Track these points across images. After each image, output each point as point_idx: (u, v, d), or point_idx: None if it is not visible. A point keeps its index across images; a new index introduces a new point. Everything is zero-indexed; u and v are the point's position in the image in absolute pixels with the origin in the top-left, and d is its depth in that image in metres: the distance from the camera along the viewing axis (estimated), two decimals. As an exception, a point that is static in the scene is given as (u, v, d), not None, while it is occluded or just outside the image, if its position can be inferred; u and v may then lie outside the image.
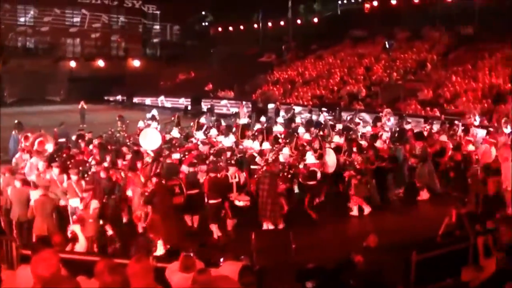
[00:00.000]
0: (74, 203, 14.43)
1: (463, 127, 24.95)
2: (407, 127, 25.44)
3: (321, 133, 24.59)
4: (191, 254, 8.05)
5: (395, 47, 44.34)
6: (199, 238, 14.73)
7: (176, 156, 18.17)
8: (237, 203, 15.38)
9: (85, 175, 16.24)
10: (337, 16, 60.48)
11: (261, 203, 15.57)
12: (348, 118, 30.57)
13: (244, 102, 38.93)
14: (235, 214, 15.44)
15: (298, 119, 30.42)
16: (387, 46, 43.49)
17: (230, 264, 8.09)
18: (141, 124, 26.78)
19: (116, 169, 16.54)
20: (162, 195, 13.99)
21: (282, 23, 63.00)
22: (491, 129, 24.39)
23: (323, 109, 34.89)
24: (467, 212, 12.12)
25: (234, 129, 25.20)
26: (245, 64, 56.32)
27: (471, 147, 20.45)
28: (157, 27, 74.99)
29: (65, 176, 15.48)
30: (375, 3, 54.70)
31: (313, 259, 10.22)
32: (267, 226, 15.52)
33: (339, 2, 61.29)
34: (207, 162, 17.59)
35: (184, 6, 66.74)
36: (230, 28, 69.41)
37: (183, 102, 47.77)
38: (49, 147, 19.76)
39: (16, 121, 25.12)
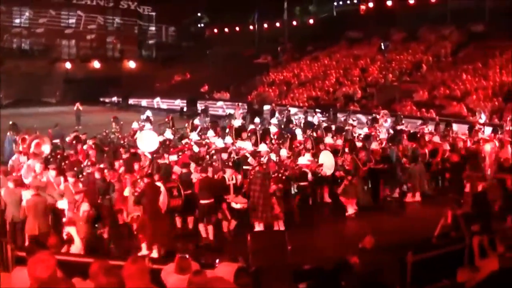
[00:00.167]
0: (61, 205, 14.43)
1: (468, 126, 25.03)
2: (400, 128, 25.56)
3: (314, 134, 24.66)
4: (187, 256, 8.04)
5: (391, 48, 44.43)
6: (194, 240, 14.75)
7: (173, 158, 18.16)
8: (234, 205, 15.36)
9: (80, 176, 16.22)
10: (333, 18, 60.48)
11: (252, 203, 15.56)
12: (342, 119, 30.65)
13: (240, 104, 38.88)
14: (232, 216, 15.44)
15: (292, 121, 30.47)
16: (382, 47, 43.63)
17: (225, 265, 8.08)
18: (135, 125, 26.86)
19: (113, 170, 16.53)
20: (151, 196, 13.94)
21: (277, 24, 62.98)
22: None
23: (317, 110, 34.99)
24: (463, 213, 12.13)
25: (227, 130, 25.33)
26: (241, 66, 56.36)
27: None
28: (153, 28, 74.98)
29: (61, 178, 15.48)
30: (370, 5, 54.72)
31: (309, 260, 10.24)
32: (258, 226, 15.50)
33: (335, 3, 61.30)
34: (199, 162, 17.63)
35: (180, 7, 66.74)
36: (226, 30, 69.37)
37: (179, 103, 47.72)
38: (46, 149, 19.72)
39: (10, 122, 25.08)
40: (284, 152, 19.04)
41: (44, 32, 65.10)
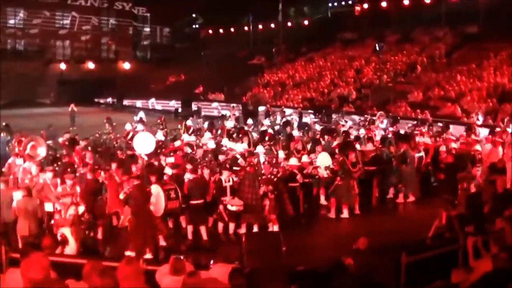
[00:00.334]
0: (47, 207, 14.47)
1: (466, 127, 25.07)
2: (391, 129, 25.64)
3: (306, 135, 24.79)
4: (181, 257, 8.04)
5: (385, 49, 44.43)
6: (187, 240, 14.78)
7: (170, 159, 18.15)
8: (230, 207, 15.35)
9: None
10: (328, 19, 60.56)
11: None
12: (341, 121, 30.67)
13: (234, 105, 38.88)
14: (229, 218, 15.47)
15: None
16: (377, 48, 43.64)
17: (220, 266, 8.08)
18: (128, 126, 26.88)
19: (106, 171, 16.53)
20: (138, 198, 13.91)
21: (272, 25, 63.00)
22: (498, 128, 24.43)
23: (309, 111, 35.03)
24: (457, 214, 12.15)
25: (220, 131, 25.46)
26: (236, 67, 56.36)
27: (478, 147, 20.50)
28: (147, 29, 75.01)
29: (58, 180, 15.50)
30: (365, 6, 54.80)
31: (304, 262, 10.23)
32: (243, 228, 15.53)
33: (330, 4, 61.41)
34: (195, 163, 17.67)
35: (175, 8, 66.69)
36: (221, 31, 69.40)
37: (174, 104, 47.69)
38: (42, 152, 19.68)
39: (4, 124, 25.04)
40: (281, 154, 19.04)
41: (39, 33, 65.09)
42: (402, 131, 25.18)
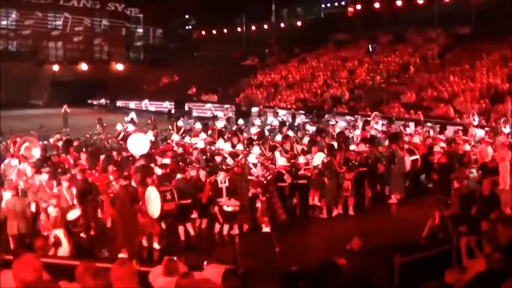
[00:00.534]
0: (32, 208, 14.48)
1: (461, 128, 25.14)
2: (382, 129, 25.75)
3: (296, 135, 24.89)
4: (175, 258, 8.02)
5: (378, 50, 44.51)
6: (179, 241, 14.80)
7: (166, 161, 18.14)
8: (226, 208, 15.34)
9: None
10: (321, 20, 60.54)
11: None
12: (331, 121, 30.71)
13: (227, 107, 38.87)
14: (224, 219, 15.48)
15: (275, 122, 30.58)
16: (370, 49, 43.72)
17: (213, 267, 8.06)
18: (119, 127, 26.95)
19: (96, 171, 16.58)
20: (124, 198, 13.89)
21: (265, 26, 62.96)
22: (486, 128, 24.53)
23: (300, 111, 35.12)
24: (451, 214, 12.17)
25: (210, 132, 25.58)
26: (229, 68, 56.32)
27: (467, 147, 20.56)
28: (140, 30, 74.90)
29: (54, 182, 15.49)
30: (358, 7, 54.80)
31: (297, 262, 10.22)
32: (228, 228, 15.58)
33: (323, 5, 61.41)
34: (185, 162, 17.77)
35: (167, 9, 66.56)
36: (214, 32, 69.32)
37: (167, 105, 47.67)
38: (36, 153, 19.64)
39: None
40: (278, 156, 19.09)
41: (31, 34, 64.90)
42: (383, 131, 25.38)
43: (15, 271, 4.90)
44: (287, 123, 29.54)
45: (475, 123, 27.32)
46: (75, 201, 14.43)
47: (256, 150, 19.84)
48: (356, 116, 30.79)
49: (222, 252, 11.34)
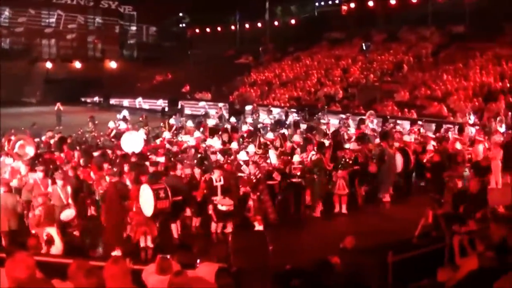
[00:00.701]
0: None
1: (457, 126, 25.22)
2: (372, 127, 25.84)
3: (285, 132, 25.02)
4: (168, 256, 8.01)
5: (372, 49, 44.55)
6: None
7: (161, 159, 18.13)
8: (220, 207, 15.33)
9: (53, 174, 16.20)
10: (314, 18, 60.62)
11: None
12: (322, 119, 30.80)
13: (222, 104, 38.84)
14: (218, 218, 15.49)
15: (267, 120, 30.60)
16: (364, 48, 43.77)
17: (206, 265, 8.07)
18: (111, 124, 26.98)
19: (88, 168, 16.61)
20: (112, 196, 13.88)
21: (259, 24, 63.02)
22: (477, 127, 24.60)
23: (292, 110, 35.17)
24: (444, 212, 12.18)
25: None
26: (222, 66, 56.33)
27: (458, 145, 20.58)
28: (134, 28, 74.76)
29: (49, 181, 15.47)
30: (352, 5, 54.88)
31: (291, 261, 10.24)
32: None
33: (316, 4, 61.46)
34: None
35: (161, 7, 66.46)
36: (207, 30, 69.29)
37: (161, 103, 47.58)
38: (30, 151, 19.60)
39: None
40: (252, 148, 19.11)
41: (24, 32, 64.69)
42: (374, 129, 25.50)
43: (8, 269, 4.89)
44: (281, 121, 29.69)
45: (471, 122, 27.40)
46: (70, 200, 14.37)
47: (251, 148, 19.84)
48: (347, 114, 30.77)
49: (215, 251, 11.38)
